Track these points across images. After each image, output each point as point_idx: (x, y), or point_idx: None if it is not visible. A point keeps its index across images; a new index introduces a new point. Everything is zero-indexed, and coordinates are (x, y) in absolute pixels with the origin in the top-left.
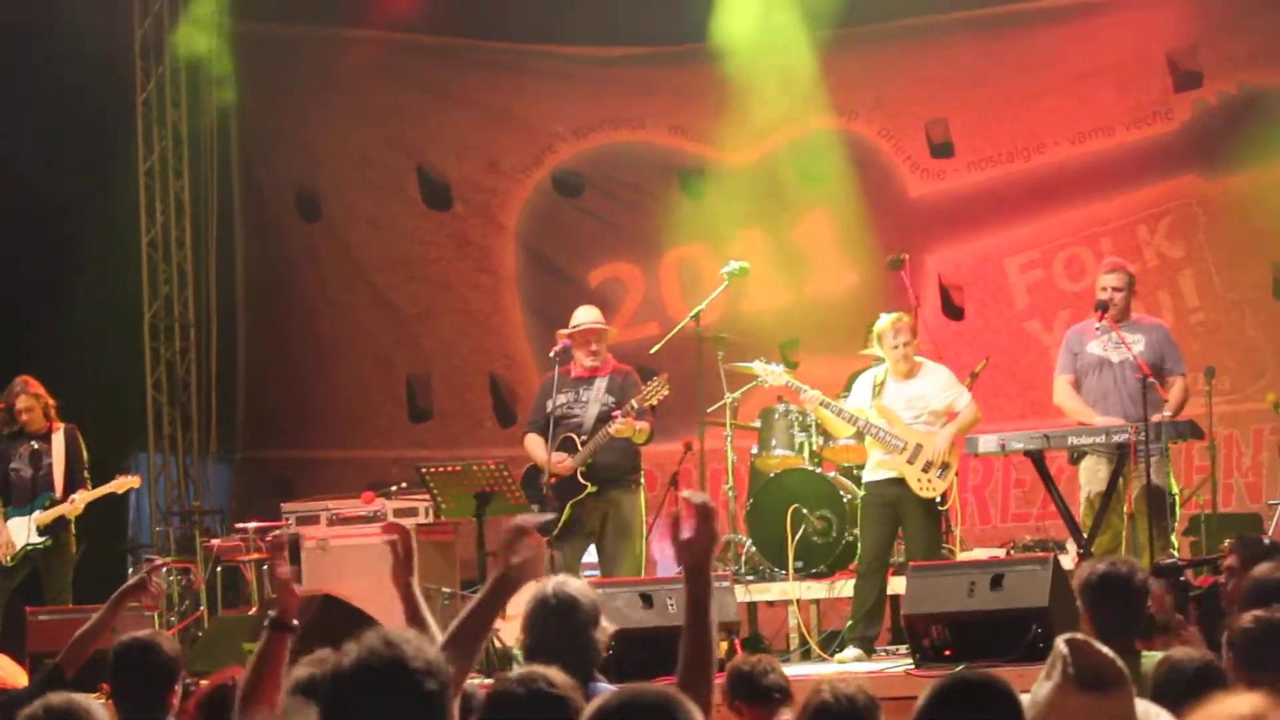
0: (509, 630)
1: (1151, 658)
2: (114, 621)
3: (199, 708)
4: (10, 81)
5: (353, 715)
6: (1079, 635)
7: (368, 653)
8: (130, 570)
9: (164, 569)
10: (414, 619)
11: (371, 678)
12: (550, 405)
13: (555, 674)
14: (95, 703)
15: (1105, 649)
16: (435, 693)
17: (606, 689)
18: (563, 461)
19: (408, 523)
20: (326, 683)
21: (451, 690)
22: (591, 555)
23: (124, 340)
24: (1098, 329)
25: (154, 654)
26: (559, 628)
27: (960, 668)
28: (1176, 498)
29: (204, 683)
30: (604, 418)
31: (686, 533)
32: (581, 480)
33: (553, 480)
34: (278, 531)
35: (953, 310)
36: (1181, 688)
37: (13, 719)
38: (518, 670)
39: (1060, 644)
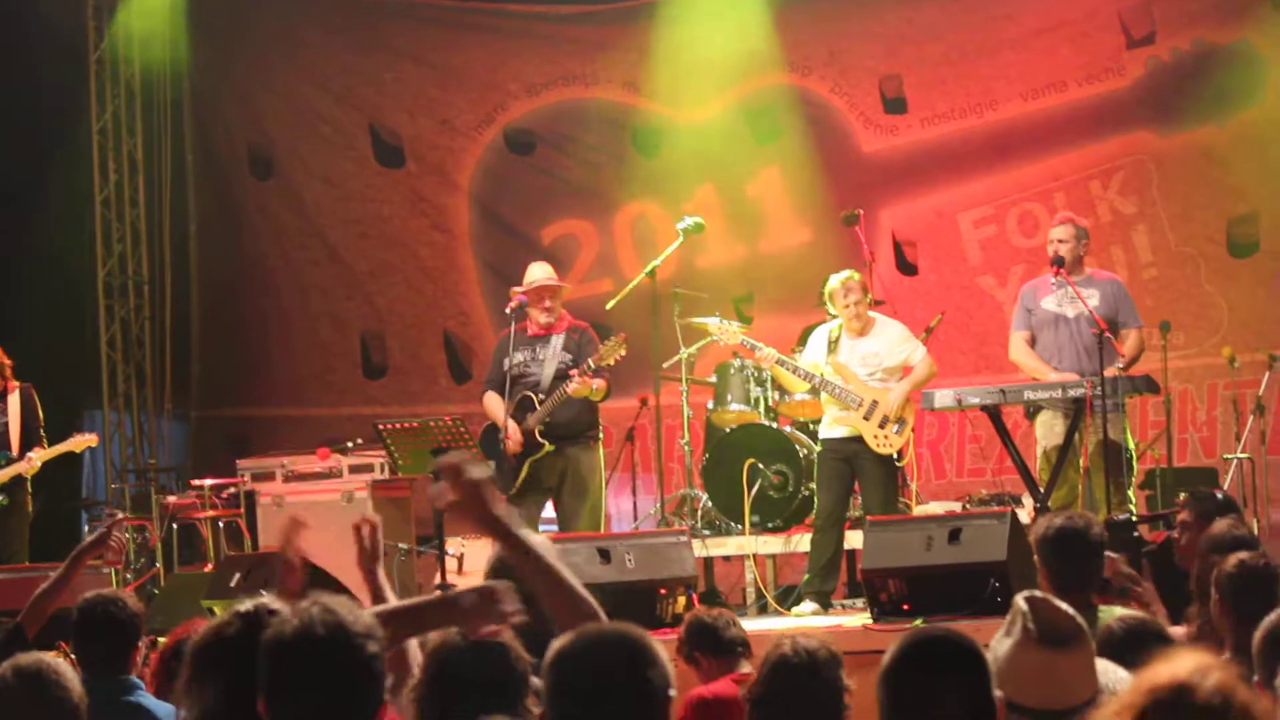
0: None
1: (1109, 612)
2: (74, 579)
3: (162, 662)
4: None
5: (294, 680)
6: (1037, 592)
7: (308, 619)
8: (86, 528)
9: (124, 524)
10: (378, 605)
11: (313, 643)
12: (507, 363)
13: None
14: (64, 663)
15: (1064, 605)
16: (375, 655)
17: None
18: (514, 435)
19: (363, 479)
20: (266, 650)
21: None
22: (549, 511)
23: (77, 298)
24: (1053, 284)
25: (118, 612)
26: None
27: (918, 622)
28: (1133, 453)
29: (164, 639)
30: (561, 375)
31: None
32: (539, 438)
33: (509, 437)
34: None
35: (906, 266)
36: (1112, 650)
37: None
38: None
39: (1019, 600)
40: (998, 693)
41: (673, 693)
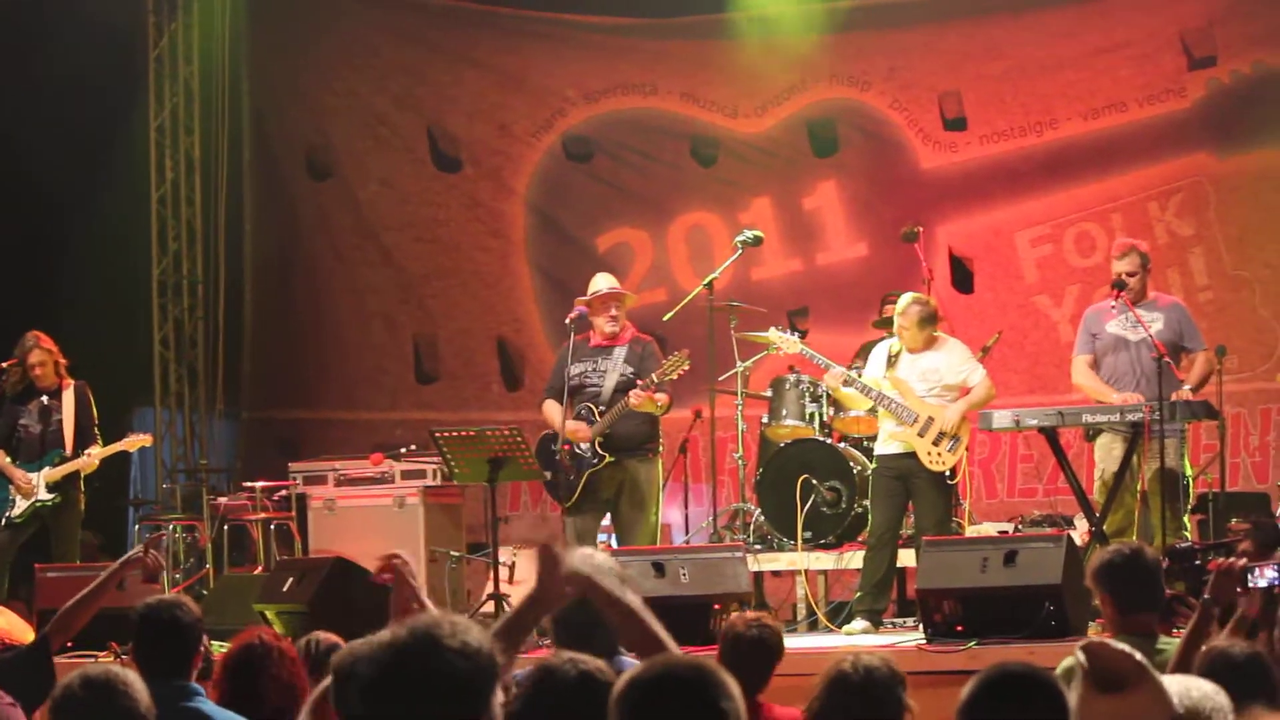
0: (518, 595)
1: (1170, 644)
2: (107, 594)
3: (226, 670)
4: (23, 39)
5: (391, 696)
6: (1093, 639)
7: (404, 634)
8: (135, 527)
9: (163, 541)
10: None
11: (405, 659)
12: (567, 374)
13: (599, 661)
14: (132, 673)
15: (1120, 645)
16: (470, 673)
17: (630, 663)
18: (578, 430)
19: (415, 485)
20: (367, 666)
21: (495, 681)
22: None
23: (131, 296)
24: (1114, 309)
25: (182, 615)
26: (586, 600)
27: (972, 644)
28: (1190, 480)
29: (218, 644)
30: (623, 388)
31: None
32: (599, 450)
33: (566, 448)
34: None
35: (963, 283)
36: (1228, 677)
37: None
38: (563, 654)
39: (1078, 652)
40: None
41: None
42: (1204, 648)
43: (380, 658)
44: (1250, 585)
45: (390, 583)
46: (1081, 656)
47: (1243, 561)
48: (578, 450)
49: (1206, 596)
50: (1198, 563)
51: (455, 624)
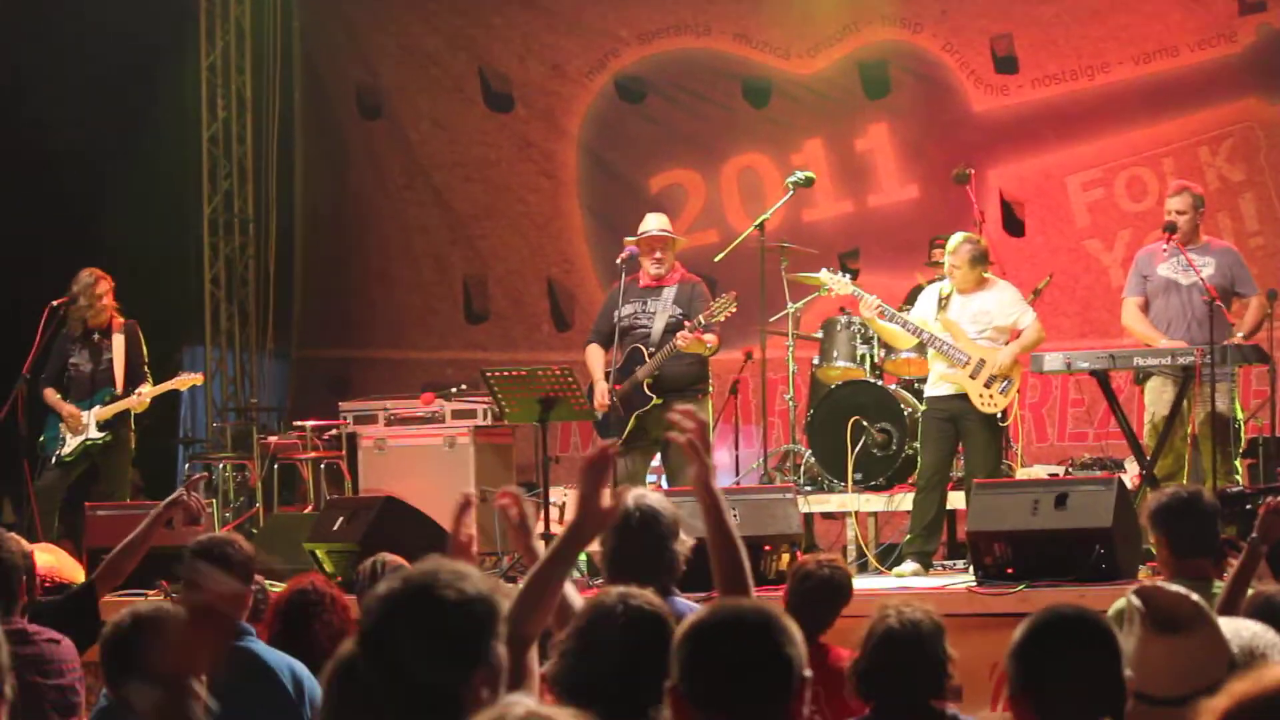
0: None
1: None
2: (153, 537)
3: (278, 614)
4: None
5: (386, 646)
6: (1146, 582)
7: (399, 584)
8: (185, 466)
9: (205, 482)
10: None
11: (398, 609)
12: (617, 315)
13: (651, 595)
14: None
15: (1176, 588)
16: (466, 621)
17: (685, 604)
18: (602, 397)
19: (466, 424)
20: (365, 616)
21: (496, 627)
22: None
23: (182, 235)
24: (1165, 251)
25: (234, 553)
26: (642, 541)
27: (1023, 587)
28: (1242, 424)
29: (270, 584)
30: (672, 328)
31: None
32: (648, 391)
33: (616, 388)
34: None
35: (1014, 226)
36: (1272, 621)
37: (42, 624)
38: (616, 589)
39: (1131, 596)
40: (1128, 673)
41: (808, 674)
42: (1250, 592)
43: (376, 608)
44: None
45: (508, 510)
46: (1136, 600)
47: None
48: (631, 390)
49: (1254, 536)
50: (1249, 507)
51: (455, 571)
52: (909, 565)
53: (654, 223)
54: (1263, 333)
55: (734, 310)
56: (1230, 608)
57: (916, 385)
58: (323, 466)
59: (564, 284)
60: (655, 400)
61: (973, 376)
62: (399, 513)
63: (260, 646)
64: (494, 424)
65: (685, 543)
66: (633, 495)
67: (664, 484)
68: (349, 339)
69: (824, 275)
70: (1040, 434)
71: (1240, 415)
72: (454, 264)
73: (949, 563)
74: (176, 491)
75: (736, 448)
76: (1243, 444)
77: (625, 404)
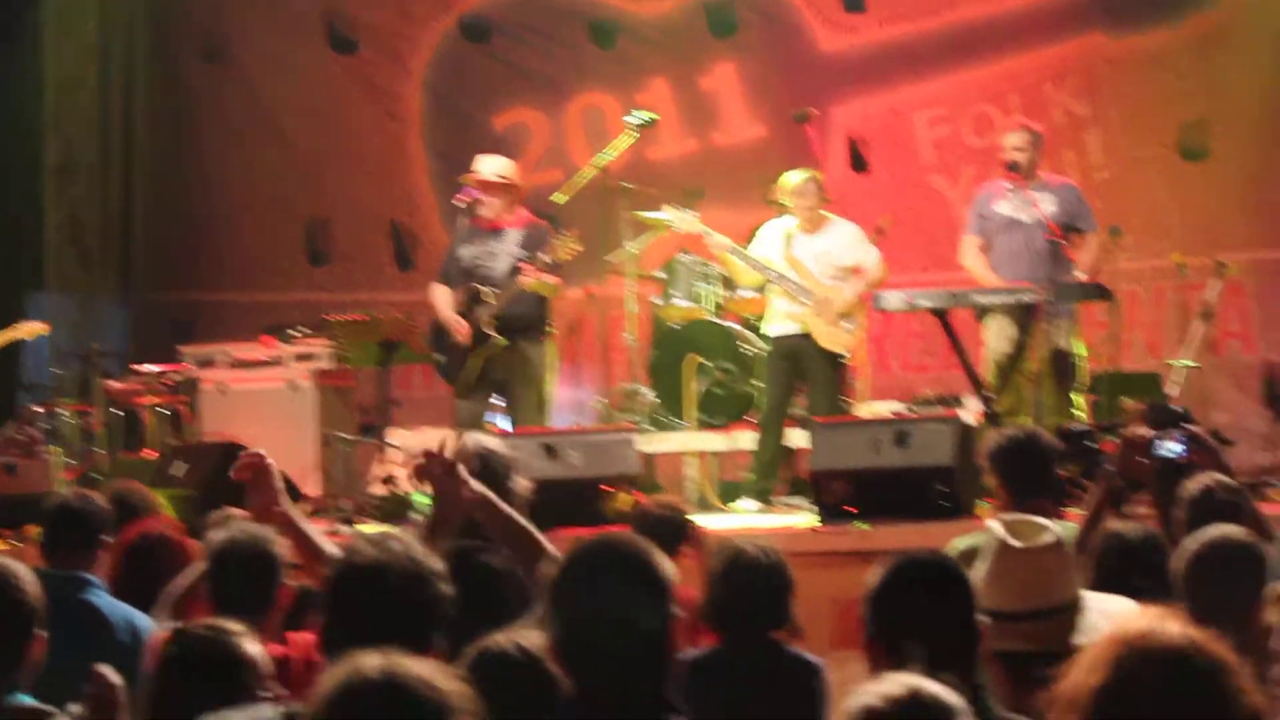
0: (406, 476)
1: (1068, 527)
2: None
3: (122, 558)
4: None
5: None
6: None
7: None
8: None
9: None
10: (302, 544)
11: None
12: (460, 256)
13: (411, 540)
14: (22, 565)
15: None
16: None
17: None
18: (461, 329)
19: (307, 367)
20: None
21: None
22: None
23: (25, 181)
24: (1008, 189)
25: (89, 506)
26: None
27: (865, 526)
28: (1083, 361)
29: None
30: (515, 270)
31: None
32: (490, 332)
33: (462, 330)
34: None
35: (859, 164)
36: (1126, 559)
37: None
38: (373, 534)
39: (989, 523)
40: (982, 618)
41: (680, 612)
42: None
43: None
44: (1155, 456)
45: (247, 480)
46: (995, 523)
47: (1149, 433)
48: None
49: (1110, 469)
50: (1090, 444)
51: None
52: (750, 503)
53: (487, 165)
54: (1104, 269)
55: (577, 250)
56: (1085, 544)
57: (757, 324)
58: (165, 411)
59: (408, 225)
60: (498, 341)
61: (818, 314)
62: (239, 458)
63: (101, 599)
64: (336, 367)
65: (523, 484)
66: (470, 440)
67: (505, 425)
68: (191, 281)
69: (667, 213)
70: (883, 366)
71: (1082, 351)
72: (297, 206)
73: (790, 500)
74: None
75: (577, 387)
76: (1085, 380)
77: (466, 345)
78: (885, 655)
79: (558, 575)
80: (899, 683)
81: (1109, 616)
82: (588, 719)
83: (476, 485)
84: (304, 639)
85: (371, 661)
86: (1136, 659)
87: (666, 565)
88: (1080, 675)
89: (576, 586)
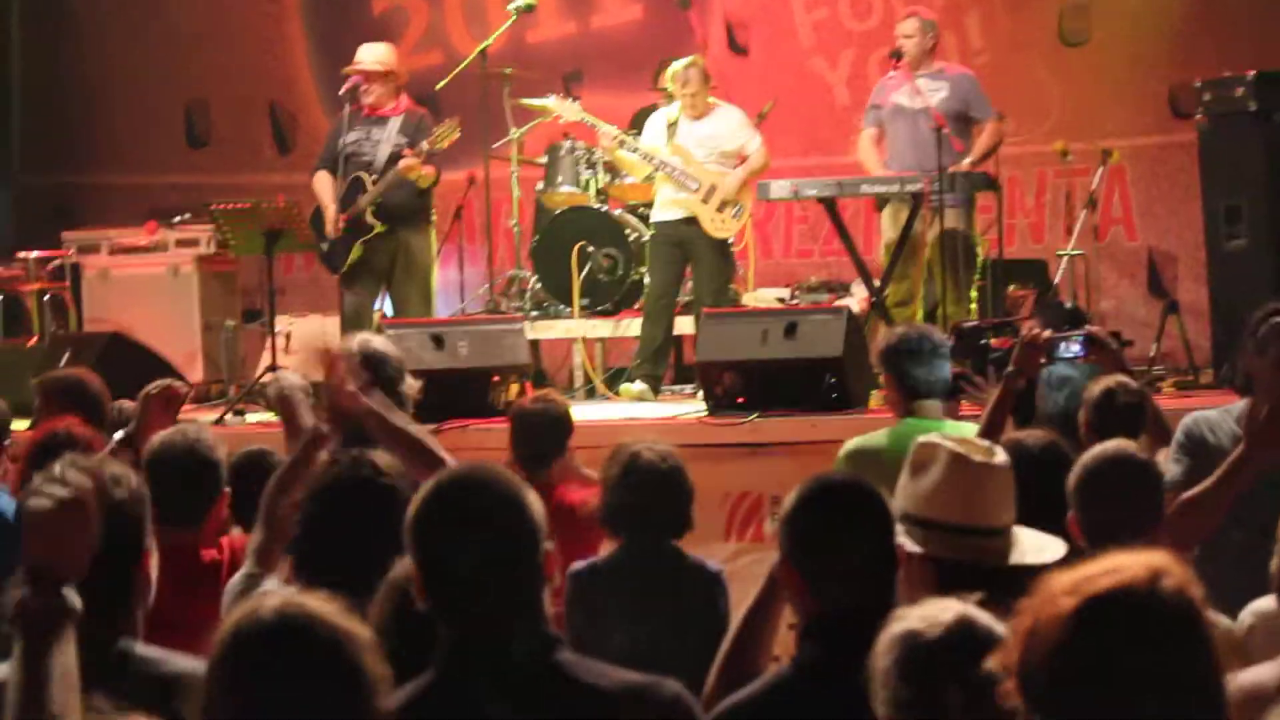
0: (295, 365)
1: (958, 427)
2: None
3: (30, 459)
4: None
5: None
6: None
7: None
8: None
9: None
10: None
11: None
12: (341, 143)
13: (382, 458)
14: None
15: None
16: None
17: None
18: (333, 220)
19: (190, 253)
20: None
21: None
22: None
23: None
24: (895, 78)
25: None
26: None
27: (754, 417)
28: (979, 250)
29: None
30: (396, 158)
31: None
32: (371, 219)
33: (344, 218)
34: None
35: (737, 47)
36: (1029, 469)
37: None
38: (346, 455)
39: (938, 439)
40: (899, 540)
41: (550, 546)
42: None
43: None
44: (1056, 357)
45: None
46: (947, 442)
47: (1048, 333)
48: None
49: (1011, 369)
50: (983, 341)
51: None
52: (638, 385)
53: (368, 54)
54: (993, 157)
55: (457, 136)
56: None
57: (642, 210)
58: (47, 298)
59: (286, 107)
60: (378, 228)
61: (704, 201)
62: (125, 349)
63: (3, 501)
64: (218, 252)
65: (412, 385)
66: (357, 343)
67: (388, 311)
68: (71, 165)
69: (551, 102)
70: (766, 251)
71: (976, 240)
72: (175, 87)
73: (678, 387)
74: None
75: (461, 271)
76: (979, 271)
77: (347, 232)
78: (800, 580)
79: (419, 517)
80: (947, 609)
81: (1040, 549)
82: (464, 665)
83: (366, 399)
84: (241, 540)
85: (270, 601)
86: (1104, 605)
87: (534, 503)
88: (1044, 619)
89: (440, 532)
